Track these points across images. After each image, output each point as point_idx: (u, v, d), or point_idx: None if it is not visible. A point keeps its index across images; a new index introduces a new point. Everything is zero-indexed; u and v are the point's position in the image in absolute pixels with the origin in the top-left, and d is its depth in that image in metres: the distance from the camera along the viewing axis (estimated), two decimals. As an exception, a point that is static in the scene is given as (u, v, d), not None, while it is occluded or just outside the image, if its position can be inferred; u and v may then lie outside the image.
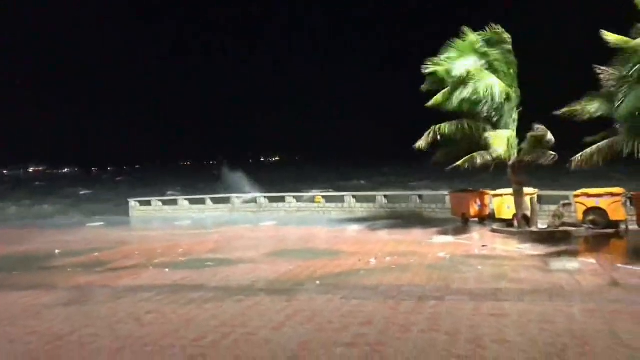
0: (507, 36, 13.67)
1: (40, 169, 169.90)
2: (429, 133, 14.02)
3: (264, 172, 71.35)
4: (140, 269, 11.23)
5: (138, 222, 23.60)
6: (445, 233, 14.44)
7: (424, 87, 14.27)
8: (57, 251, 14.31)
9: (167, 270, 10.97)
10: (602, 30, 10.12)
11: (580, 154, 11.44)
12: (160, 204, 26.59)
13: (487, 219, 16.24)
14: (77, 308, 8.08)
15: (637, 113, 9.61)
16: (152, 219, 23.33)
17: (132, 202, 26.72)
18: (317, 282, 9.13)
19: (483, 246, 12.18)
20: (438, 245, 12.66)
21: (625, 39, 10.16)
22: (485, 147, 13.30)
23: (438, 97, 13.92)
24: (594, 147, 11.17)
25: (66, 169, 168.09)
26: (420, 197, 19.78)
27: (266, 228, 18.33)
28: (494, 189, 16.20)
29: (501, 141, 12.95)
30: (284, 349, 5.82)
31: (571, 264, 9.84)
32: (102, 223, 22.82)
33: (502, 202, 15.49)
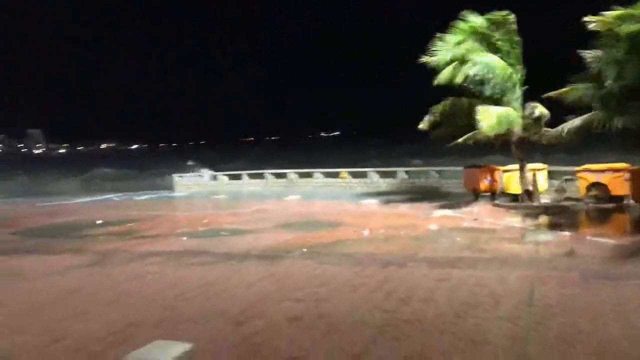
0: (512, 17, 13.96)
1: (112, 145, 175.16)
2: (428, 115, 14.69)
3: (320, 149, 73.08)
4: (162, 238, 12.71)
5: (182, 195, 25.51)
6: (449, 207, 15.12)
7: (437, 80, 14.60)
8: (98, 221, 16.12)
9: (184, 239, 12.40)
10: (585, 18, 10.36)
11: (554, 129, 11.81)
12: (205, 178, 28.47)
13: (498, 193, 16.71)
14: (94, 269, 9.58)
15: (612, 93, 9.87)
16: (195, 193, 25.15)
17: (176, 177, 28.70)
18: (304, 249, 10.23)
19: (474, 219, 12.83)
20: (435, 218, 13.39)
21: (608, 20, 10.33)
22: None
23: (444, 74, 14.39)
24: (567, 124, 11.50)
25: (135, 145, 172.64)
26: (438, 172, 20.38)
27: (288, 202, 19.55)
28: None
29: (488, 117, 13.04)
30: (243, 302, 6.98)
31: (545, 235, 10.41)
32: (147, 197, 24.89)
33: (511, 178, 15.90)
